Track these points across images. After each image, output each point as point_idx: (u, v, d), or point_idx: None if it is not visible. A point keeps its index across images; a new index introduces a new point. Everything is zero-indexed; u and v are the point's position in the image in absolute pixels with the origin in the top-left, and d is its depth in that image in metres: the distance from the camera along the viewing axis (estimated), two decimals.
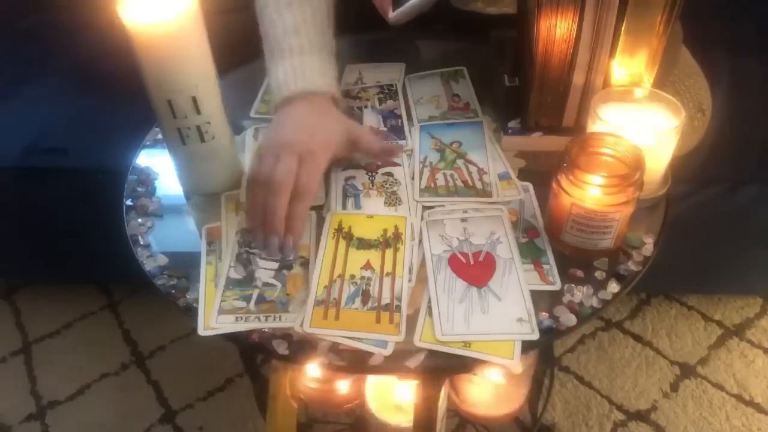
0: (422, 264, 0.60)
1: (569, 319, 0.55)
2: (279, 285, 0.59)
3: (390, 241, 0.61)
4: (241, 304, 0.57)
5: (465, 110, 0.78)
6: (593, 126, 0.60)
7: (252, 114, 0.80)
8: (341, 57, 0.89)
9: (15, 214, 1.15)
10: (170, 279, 0.60)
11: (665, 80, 0.67)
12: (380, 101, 0.81)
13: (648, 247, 0.60)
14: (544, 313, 0.55)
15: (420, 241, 0.62)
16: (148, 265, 0.62)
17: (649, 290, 1.28)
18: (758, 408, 1.10)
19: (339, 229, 0.63)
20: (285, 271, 0.60)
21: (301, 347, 0.54)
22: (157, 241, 0.65)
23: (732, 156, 0.98)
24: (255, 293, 0.58)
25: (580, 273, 0.58)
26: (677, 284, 1.23)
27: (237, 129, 0.75)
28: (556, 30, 0.63)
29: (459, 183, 0.68)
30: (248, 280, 0.59)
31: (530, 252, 0.60)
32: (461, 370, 0.66)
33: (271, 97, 0.68)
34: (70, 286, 1.36)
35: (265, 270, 0.60)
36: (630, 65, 0.65)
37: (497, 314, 0.55)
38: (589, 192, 0.55)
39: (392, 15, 0.80)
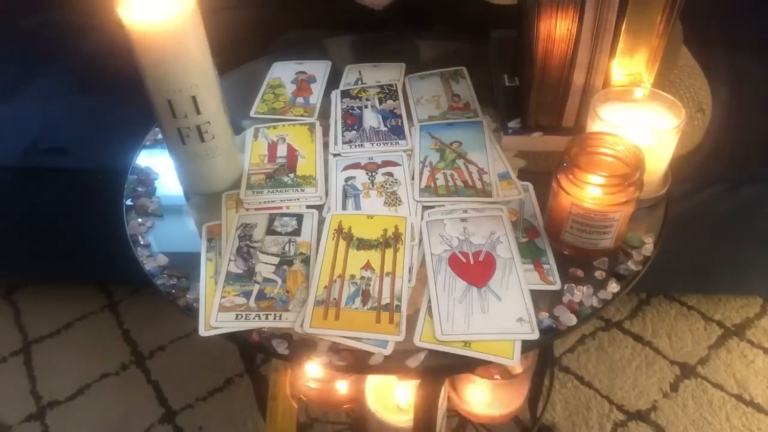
0: (422, 264, 0.60)
1: (569, 319, 0.55)
2: (279, 281, 0.59)
3: (390, 241, 0.61)
4: (241, 300, 0.57)
5: (465, 110, 0.78)
6: (593, 126, 0.60)
7: (252, 114, 0.80)
8: (341, 57, 0.89)
9: (15, 214, 1.15)
10: (170, 279, 0.60)
11: (665, 80, 0.68)
12: (380, 101, 0.81)
13: (648, 246, 0.60)
14: (544, 313, 0.55)
15: (420, 241, 0.62)
16: (148, 265, 0.62)
17: (649, 290, 1.28)
18: (758, 408, 1.10)
19: (339, 230, 0.63)
20: (285, 267, 0.60)
21: (301, 347, 0.54)
22: (157, 240, 0.65)
23: (732, 156, 0.98)
24: (255, 289, 0.58)
25: (580, 273, 0.58)
26: (677, 284, 1.23)
27: (237, 129, 0.75)
28: (556, 30, 0.63)
29: (459, 183, 0.68)
30: (248, 274, 0.59)
31: (530, 252, 0.60)
32: (461, 370, 0.66)
33: None
34: (70, 286, 1.36)
35: (265, 265, 0.60)
36: (630, 65, 0.65)
37: (497, 314, 0.55)
38: (589, 192, 0.55)
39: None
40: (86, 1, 1.22)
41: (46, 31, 1.31)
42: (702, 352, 1.18)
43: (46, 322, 1.30)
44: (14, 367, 1.24)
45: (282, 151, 0.74)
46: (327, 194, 0.68)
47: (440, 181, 0.68)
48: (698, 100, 0.85)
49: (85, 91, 1.15)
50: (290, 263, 0.61)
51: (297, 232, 0.64)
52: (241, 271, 0.60)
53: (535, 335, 0.53)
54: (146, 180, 0.72)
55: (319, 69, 0.88)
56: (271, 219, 0.65)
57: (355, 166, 0.71)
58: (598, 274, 0.58)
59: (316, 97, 0.83)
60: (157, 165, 0.73)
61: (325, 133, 0.77)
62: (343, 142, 0.75)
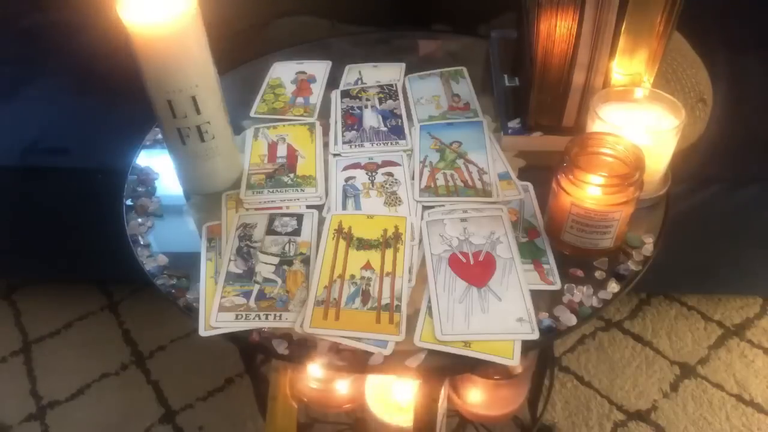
0: (422, 264, 0.60)
1: (569, 319, 0.55)
2: (279, 281, 0.59)
3: (390, 241, 0.61)
4: (241, 300, 0.57)
5: (465, 110, 0.78)
6: (593, 126, 0.60)
7: (252, 114, 0.80)
8: (341, 57, 0.89)
9: (15, 214, 1.15)
10: (170, 279, 0.60)
11: (664, 66, 0.67)
12: (380, 101, 0.81)
13: (648, 246, 0.60)
14: (544, 313, 0.55)
15: (420, 241, 0.62)
16: (148, 265, 0.62)
17: (649, 290, 1.28)
18: (758, 408, 1.10)
19: (339, 230, 0.63)
20: (285, 267, 0.60)
21: (301, 347, 0.54)
22: (157, 241, 0.65)
23: (732, 155, 0.98)
24: (255, 289, 0.58)
25: (580, 273, 0.58)
26: (677, 284, 1.23)
27: (237, 129, 0.75)
28: (556, 30, 0.63)
29: (459, 183, 0.68)
30: (248, 275, 0.59)
31: (530, 252, 0.60)
32: (461, 370, 0.66)
33: None
34: (70, 286, 1.36)
35: (265, 265, 0.60)
36: (630, 65, 0.65)
37: (497, 314, 0.55)
38: (589, 192, 0.55)
39: None
40: (86, 1, 1.22)
41: (46, 31, 1.31)
42: (702, 352, 1.18)
43: (46, 322, 1.30)
44: (14, 367, 1.24)
45: (282, 151, 0.74)
46: (327, 194, 0.68)
47: (440, 181, 0.68)
48: (699, 90, 0.85)
49: (85, 91, 1.15)
50: (290, 263, 0.61)
51: (297, 232, 0.64)
52: (241, 271, 0.60)
53: (535, 335, 0.53)
54: (146, 180, 0.72)
55: (319, 69, 0.88)
56: (271, 219, 0.65)
57: (355, 166, 0.71)
58: (598, 274, 0.58)
59: (316, 97, 0.83)
60: (157, 165, 0.73)
61: (325, 133, 0.77)
62: (343, 142, 0.74)
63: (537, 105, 0.70)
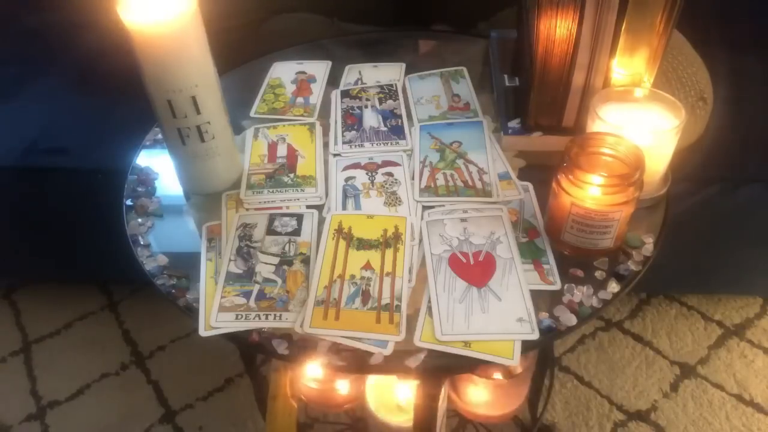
0: (422, 264, 0.60)
1: (569, 319, 0.55)
2: (279, 281, 0.59)
3: (390, 241, 0.61)
4: (241, 300, 0.57)
5: (465, 110, 0.78)
6: (593, 126, 0.60)
7: (252, 114, 0.80)
8: (341, 57, 0.89)
9: (15, 214, 1.15)
10: (170, 279, 0.60)
11: (666, 66, 0.67)
12: (380, 101, 0.81)
13: (648, 247, 0.60)
14: (544, 313, 0.55)
15: (420, 241, 0.62)
16: (148, 265, 0.62)
17: (649, 290, 1.28)
18: (758, 408, 1.10)
19: (339, 230, 0.63)
20: (285, 267, 0.60)
21: (301, 347, 0.54)
22: (157, 240, 0.65)
23: (732, 155, 0.98)
24: (255, 289, 0.58)
25: (580, 273, 0.58)
26: (677, 284, 1.23)
27: (237, 129, 0.75)
28: (556, 30, 0.63)
29: (459, 183, 0.68)
30: (248, 275, 0.59)
31: (530, 252, 0.60)
32: (461, 370, 0.66)
33: None
34: (70, 286, 1.36)
35: (265, 265, 0.60)
36: (630, 65, 0.65)
37: (497, 314, 0.55)
38: (589, 192, 0.55)
39: None
40: (86, 1, 1.22)
41: (46, 31, 1.31)
42: (702, 352, 1.18)
43: (46, 322, 1.30)
44: (14, 367, 1.24)
45: (282, 151, 0.74)
46: (327, 194, 0.68)
47: (440, 181, 0.68)
48: (700, 89, 0.85)
49: (85, 91, 1.15)
50: (290, 263, 0.61)
51: (297, 232, 0.64)
52: (241, 271, 0.60)
53: (535, 335, 0.53)
54: (146, 180, 0.72)
55: (319, 69, 0.88)
56: (271, 219, 0.65)
57: (355, 166, 0.71)
58: (598, 274, 0.58)
59: (316, 97, 0.83)
60: (157, 165, 0.73)
61: (325, 133, 0.77)
62: (343, 142, 0.74)
63: (537, 105, 0.70)
